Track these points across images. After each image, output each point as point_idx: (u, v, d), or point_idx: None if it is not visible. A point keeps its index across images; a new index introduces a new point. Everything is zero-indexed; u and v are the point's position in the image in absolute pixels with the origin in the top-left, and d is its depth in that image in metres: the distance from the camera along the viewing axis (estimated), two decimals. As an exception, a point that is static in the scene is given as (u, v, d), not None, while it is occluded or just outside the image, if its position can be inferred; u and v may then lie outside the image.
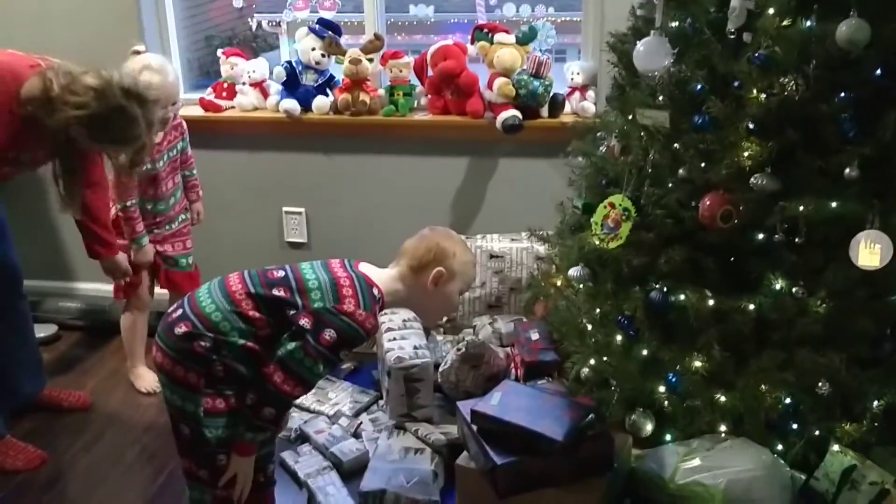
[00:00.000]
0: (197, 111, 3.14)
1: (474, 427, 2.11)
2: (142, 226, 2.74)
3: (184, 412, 1.83)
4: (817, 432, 1.96)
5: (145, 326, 2.93)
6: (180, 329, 1.80)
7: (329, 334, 1.76)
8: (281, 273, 1.86)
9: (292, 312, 1.78)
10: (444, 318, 2.90)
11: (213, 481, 1.85)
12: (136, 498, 2.39)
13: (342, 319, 1.77)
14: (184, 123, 2.84)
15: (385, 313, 2.83)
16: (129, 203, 2.69)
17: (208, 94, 3.18)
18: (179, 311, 1.83)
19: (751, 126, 1.87)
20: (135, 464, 2.55)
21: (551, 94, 2.93)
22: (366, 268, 1.93)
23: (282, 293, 1.81)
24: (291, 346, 1.76)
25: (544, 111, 2.97)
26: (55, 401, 2.80)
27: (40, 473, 2.49)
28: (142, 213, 2.74)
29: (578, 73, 2.96)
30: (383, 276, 1.93)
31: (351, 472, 2.42)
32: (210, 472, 1.85)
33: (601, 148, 2.36)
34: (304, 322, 1.76)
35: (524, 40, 2.97)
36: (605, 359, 2.19)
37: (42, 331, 3.22)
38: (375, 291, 1.86)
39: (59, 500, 2.39)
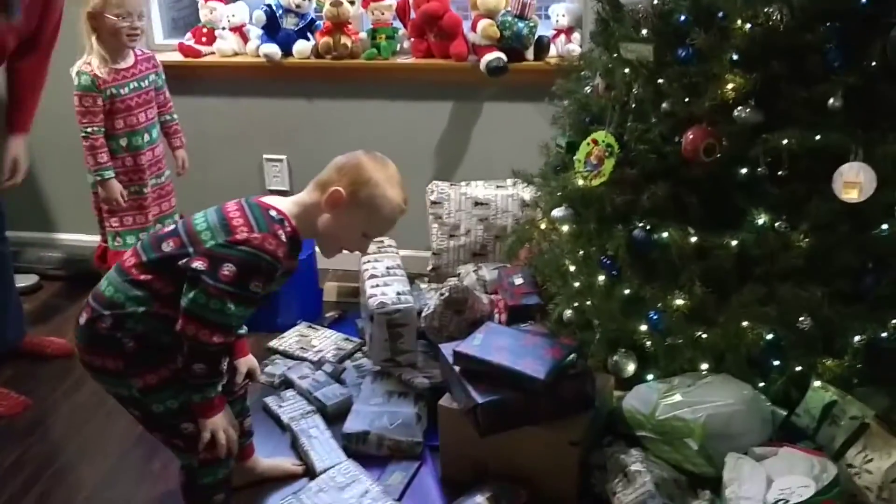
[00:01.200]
0: (176, 56, 3.08)
1: (457, 368, 2.11)
2: (106, 157, 2.65)
3: (121, 398, 1.80)
4: (799, 368, 1.95)
5: None
6: (83, 317, 1.76)
7: (227, 269, 1.64)
8: (172, 227, 1.78)
9: (186, 260, 1.67)
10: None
11: (191, 448, 1.79)
12: (118, 441, 2.37)
13: (238, 249, 1.65)
14: (157, 59, 2.79)
15: (368, 261, 2.81)
16: (91, 129, 2.62)
17: (187, 40, 3.13)
18: (85, 302, 1.79)
19: (735, 58, 1.84)
20: (115, 409, 2.49)
21: (536, 37, 2.88)
22: (269, 197, 1.80)
23: (171, 246, 1.71)
24: (192, 293, 1.65)
25: (529, 53, 2.92)
26: (37, 348, 2.77)
27: (23, 418, 2.48)
28: (117, 152, 2.68)
29: (564, 15, 2.91)
30: (283, 199, 1.79)
31: (335, 415, 2.41)
32: (184, 441, 1.79)
33: (586, 88, 2.33)
34: (199, 264, 1.65)
35: (508, -20, 2.92)
36: (587, 300, 2.18)
37: (23, 281, 3.19)
38: (273, 213, 1.72)
39: (42, 444, 2.37)
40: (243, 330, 2.00)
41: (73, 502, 2.16)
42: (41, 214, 3.46)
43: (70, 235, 3.42)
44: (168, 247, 1.71)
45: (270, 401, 2.50)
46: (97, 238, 3.17)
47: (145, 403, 1.76)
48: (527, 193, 2.86)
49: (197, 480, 1.84)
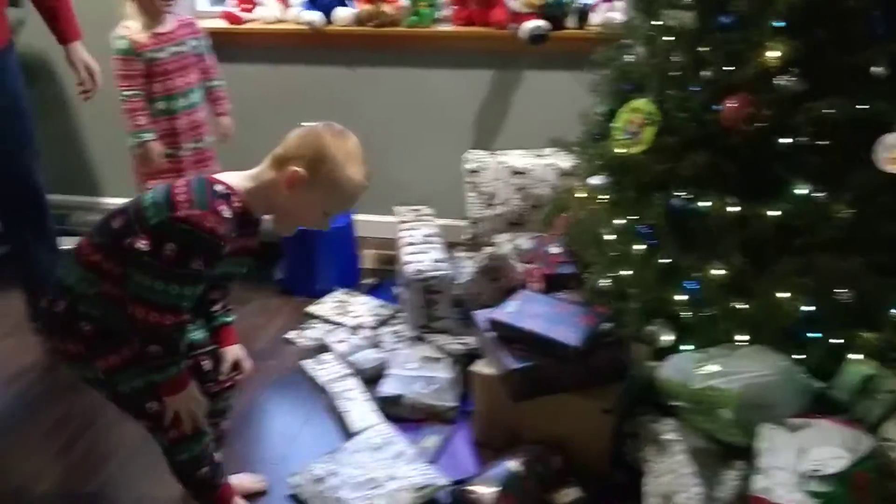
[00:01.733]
0: (219, 23, 3.11)
1: (491, 334, 2.13)
2: (144, 120, 2.69)
3: (89, 380, 1.78)
4: (836, 341, 1.93)
5: None
6: (42, 305, 1.76)
7: (169, 249, 1.59)
8: (119, 208, 1.72)
9: (129, 240, 1.63)
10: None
11: (157, 426, 1.78)
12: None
13: (179, 228, 1.59)
14: (198, 25, 2.81)
15: (406, 228, 2.84)
16: (129, 93, 2.66)
17: (230, 6, 3.15)
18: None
19: (778, 25, 1.80)
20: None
21: (578, 5, 2.86)
22: (223, 174, 1.73)
23: (118, 223, 1.67)
24: (137, 275, 1.62)
25: (570, 22, 2.90)
26: None
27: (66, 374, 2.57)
28: (155, 115, 2.71)
29: (606, -17, 2.88)
30: (238, 175, 1.71)
31: (370, 379, 2.45)
32: (150, 420, 1.78)
33: (626, 56, 2.31)
34: (141, 245, 1.61)
35: (551, -52, 2.89)
36: (623, 269, 2.17)
37: (71, 243, 3.27)
38: (219, 187, 1.65)
39: (88, 398, 2.43)
40: (230, 318, 1.96)
41: (116, 455, 2.23)
42: (87, 178, 3.54)
43: (114, 199, 3.48)
44: (115, 224, 1.67)
45: (309, 363, 2.55)
46: (142, 202, 3.24)
47: (111, 384, 1.74)
48: (565, 162, 2.85)
49: (173, 458, 1.83)
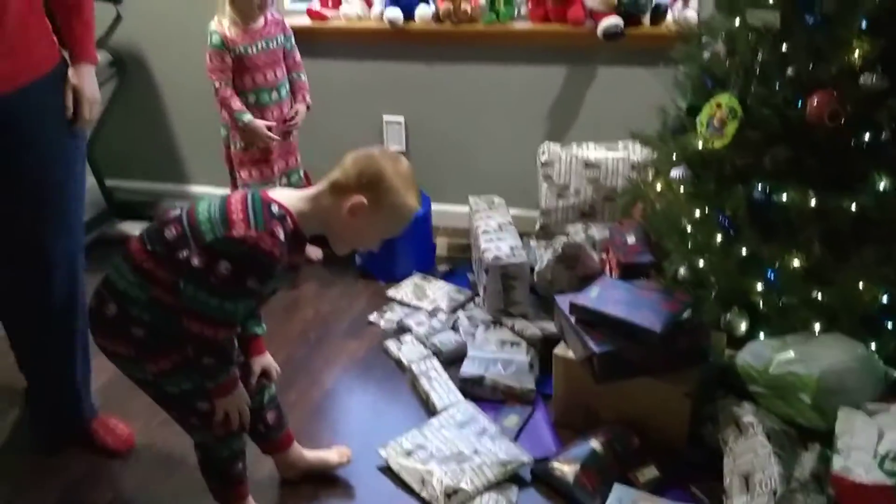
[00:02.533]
0: (304, 20, 3.25)
1: (572, 318, 2.22)
2: (239, 103, 2.82)
3: (136, 380, 1.82)
4: (913, 330, 2.00)
5: None
6: (91, 305, 1.77)
7: (224, 268, 1.61)
8: (176, 212, 1.73)
9: (185, 253, 1.65)
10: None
11: (206, 424, 1.82)
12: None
13: (235, 247, 1.62)
14: (285, 23, 2.95)
15: (481, 217, 2.95)
16: (219, 84, 2.80)
17: (315, 4, 3.29)
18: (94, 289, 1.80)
19: (863, 24, 1.87)
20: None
21: (654, 2, 2.94)
22: (274, 191, 1.74)
23: (173, 233, 1.68)
24: (191, 289, 1.64)
25: (646, 19, 2.98)
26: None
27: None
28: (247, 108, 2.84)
29: (682, -19, 2.96)
30: (295, 195, 1.74)
31: (449, 360, 2.57)
32: (198, 418, 1.82)
33: (705, 53, 2.39)
34: (196, 261, 1.63)
35: (628, -52, 2.97)
36: (703, 258, 2.25)
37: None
38: (275, 208, 1.67)
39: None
40: (260, 329, 1.99)
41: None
42: (175, 167, 3.71)
43: (201, 188, 3.66)
44: (170, 234, 1.68)
45: (391, 344, 2.68)
46: (226, 190, 3.40)
47: (159, 386, 1.79)
48: (637, 156, 2.94)
49: (214, 454, 1.89)
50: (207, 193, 3.62)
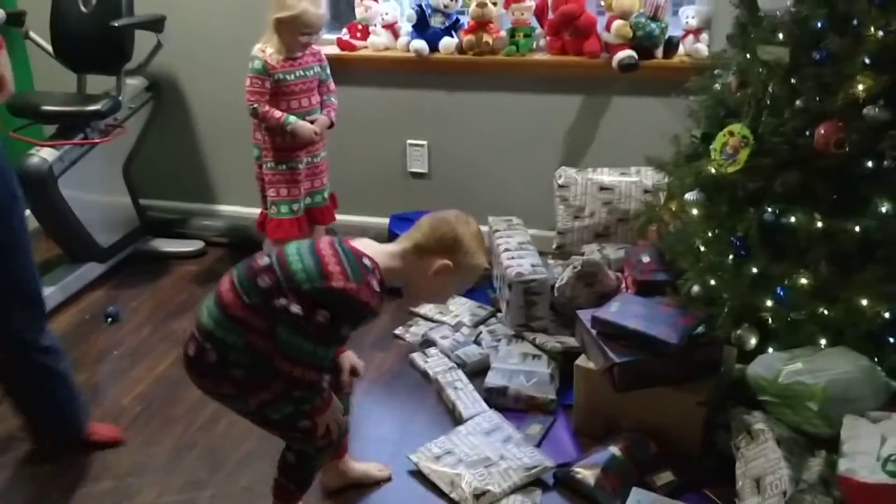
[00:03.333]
0: (334, 50, 3.42)
1: (594, 331, 2.37)
2: (279, 112, 2.94)
3: (239, 412, 1.91)
4: (914, 345, 2.14)
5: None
6: (191, 349, 1.84)
7: (322, 316, 1.71)
8: (265, 260, 1.81)
9: (281, 301, 1.73)
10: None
11: (309, 439, 1.90)
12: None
13: (334, 297, 1.72)
14: (322, 54, 3.11)
15: (501, 236, 3.10)
16: (256, 106, 2.94)
17: (344, 35, 3.46)
18: (189, 333, 1.88)
19: (867, 61, 2.04)
20: (283, 358, 2.88)
21: (666, 36, 3.11)
22: (358, 242, 1.85)
23: (267, 282, 1.76)
24: (286, 335, 1.73)
25: (658, 52, 3.15)
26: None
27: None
28: (280, 132, 2.99)
29: (693, 17, 3.13)
30: (380, 250, 1.85)
31: (473, 372, 2.70)
32: (302, 434, 1.90)
33: (716, 85, 2.56)
34: (295, 308, 1.72)
35: (642, -15, 3.15)
36: (716, 277, 2.39)
37: (190, 246, 3.60)
38: (367, 262, 1.78)
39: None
40: None
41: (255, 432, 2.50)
42: (205, 187, 3.86)
43: (230, 207, 3.82)
44: (263, 282, 1.76)
45: (416, 357, 2.81)
46: (255, 210, 3.56)
47: (263, 414, 1.87)
48: (648, 181, 3.10)
49: (312, 462, 1.98)
50: (234, 213, 3.78)
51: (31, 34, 3.43)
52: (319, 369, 1.81)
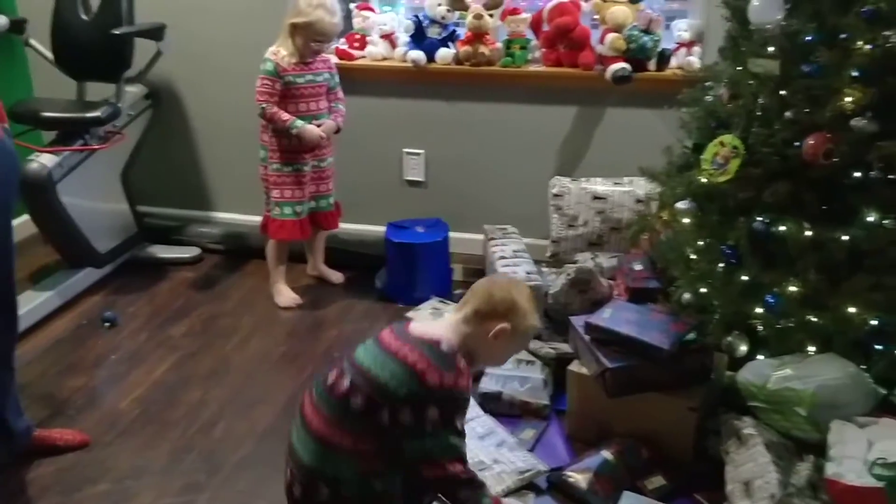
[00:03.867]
0: (332, 59, 3.45)
1: (587, 337, 2.41)
2: (287, 115, 3.02)
3: None
4: (900, 352, 2.18)
5: (286, 251, 3.30)
6: (297, 490, 1.82)
7: (432, 413, 1.72)
8: (346, 383, 1.79)
9: (385, 416, 1.73)
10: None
11: None
12: (282, 391, 2.74)
13: (436, 393, 1.73)
14: (332, 62, 3.19)
15: (497, 244, 3.14)
16: (266, 105, 3.00)
17: (342, 44, 3.50)
18: (289, 473, 1.86)
19: (855, 74, 2.08)
20: (279, 363, 2.92)
21: (659, 49, 3.16)
22: (420, 326, 1.88)
23: (360, 401, 1.75)
24: (415, 444, 1.74)
25: (651, 64, 3.20)
26: (49, 441, 2.44)
27: (203, 367, 2.88)
28: (286, 135, 3.05)
29: (686, 30, 3.19)
30: (447, 325, 1.89)
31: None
32: None
33: (707, 96, 2.61)
34: (405, 418, 1.73)
35: (636, -2, 3.21)
36: (707, 285, 2.43)
37: (186, 252, 3.63)
38: (444, 347, 1.80)
39: (221, 389, 2.77)
40: None
41: (252, 436, 2.54)
42: (202, 194, 3.90)
43: (227, 214, 3.85)
44: (357, 404, 1.75)
45: (412, 363, 2.84)
46: (251, 217, 3.61)
47: None
48: (641, 191, 3.15)
49: None
50: (231, 220, 3.82)
51: (32, 41, 3.47)
52: (462, 457, 1.81)
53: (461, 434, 1.81)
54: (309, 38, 2.97)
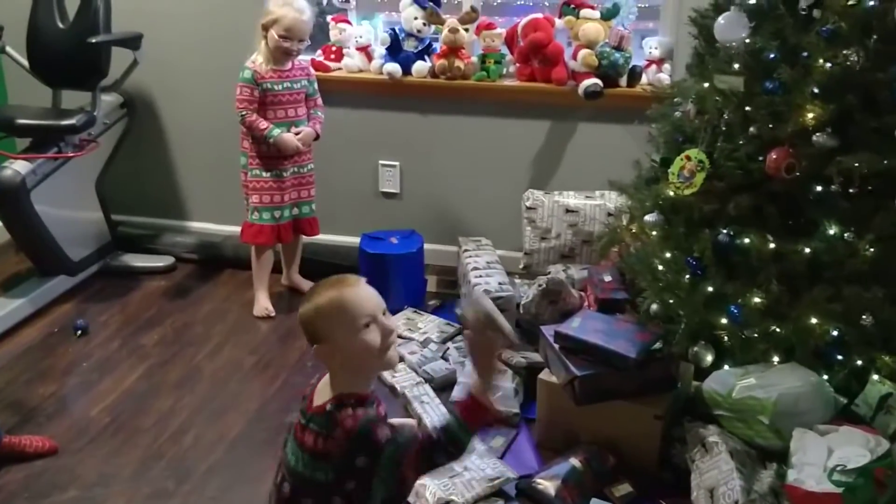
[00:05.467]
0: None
1: (556, 346, 2.44)
2: (265, 123, 3.06)
3: None
4: (859, 362, 2.24)
5: (271, 261, 3.32)
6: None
7: (361, 461, 1.62)
8: (287, 488, 1.71)
9: (334, 487, 1.65)
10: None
11: None
12: (253, 400, 2.75)
13: (347, 454, 1.63)
14: (311, 69, 3.23)
15: (470, 255, 3.18)
16: (245, 113, 3.04)
17: (318, 56, 3.54)
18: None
19: (815, 91, 2.15)
20: (251, 372, 2.93)
21: (630, 65, 3.22)
22: (318, 391, 1.74)
23: (310, 500, 1.69)
24: (377, 483, 1.63)
25: (622, 81, 3.26)
26: (17, 448, 2.44)
27: (174, 375, 2.88)
28: (264, 143, 3.08)
29: (656, 48, 3.25)
30: (325, 383, 1.73)
31: (440, 387, 2.76)
32: None
33: (676, 112, 2.67)
34: (348, 484, 1.64)
35: (607, 16, 3.26)
36: (673, 295, 2.48)
37: (160, 261, 3.63)
38: (329, 408, 1.66)
39: (191, 397, 2.77)
40: None
41: (222, 444, 2.54)
42: (176, 203, 3.89)
43: (201, 224, 3.85)
44: (308, 496, 1.69)
45: (384, 372, 2.86)
46: (225, 227, 3.62)
47: None
48: (612, 204, 3.20)
49: None
50: (205, 229, 3.83)
51: (8, 49, 3.47)
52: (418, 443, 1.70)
53: (395, 432, 1.66)
54: (276, 41, 3.00)
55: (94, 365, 2.95)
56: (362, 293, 1.74)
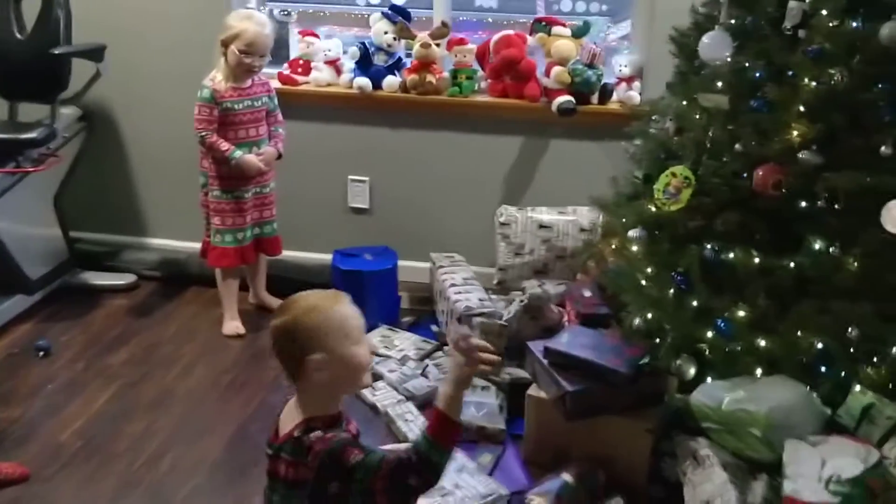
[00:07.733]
0: (275, 84, 3.42)
1: (546, 361, 2.44)
2: (226, 144, 2.98)
3: None
4: (844, 374, 2.29)
5: (237, 280, 3.25)
6: None
7: (333, 487, 1.57)
8: None
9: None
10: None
11: None
12: (230, 421, 2.68)
13: (318, 478, 1.57)
14: (271, 84, 3.16)
15: (446, 272, 3.16)
16: (205, 134, 2.96)
17: (285, 70, 3.48)
18: None
19: (801, 109, 2.20)
20: (226, 392, 2.85)
21: (602, 83, 3.26)
22: (282, 419, 1.69)
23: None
24: (356, 498, 1.57)
25: (594, 98, 3.30)
26: None
27: (147, 394, 2.79)
28: (228, 164, 3.01)
29: (626, 65, 3.29)
30: (298, 403, 1.67)
31: (422, 405, 2.72)
32: None
33: (652, 130, 2.70)
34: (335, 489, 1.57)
35: (579, 33, 3.30)
36: (657, 310, 2.50)
37: (121, 279, 3.51)
38: (297, 434, 1.61)
39: (166, 419, 2.68)
40: None
41: (202, 467, 2.46)
42: (137, 219, 3.78)
43: (163, 241, 3.74)
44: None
45: (365, 392, 2.81)
46: (187, 244, 3.53)
47: None
48: (585, 220, 3.23)
49: None
50: (167, 246, 3.71)
51: (-38, 60, 3.32)
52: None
53: (366, 455, 1.57)
54: (236, 56, 2.93)
55: (59, 387, 2.83)
56: (354, 309, 1.73)
